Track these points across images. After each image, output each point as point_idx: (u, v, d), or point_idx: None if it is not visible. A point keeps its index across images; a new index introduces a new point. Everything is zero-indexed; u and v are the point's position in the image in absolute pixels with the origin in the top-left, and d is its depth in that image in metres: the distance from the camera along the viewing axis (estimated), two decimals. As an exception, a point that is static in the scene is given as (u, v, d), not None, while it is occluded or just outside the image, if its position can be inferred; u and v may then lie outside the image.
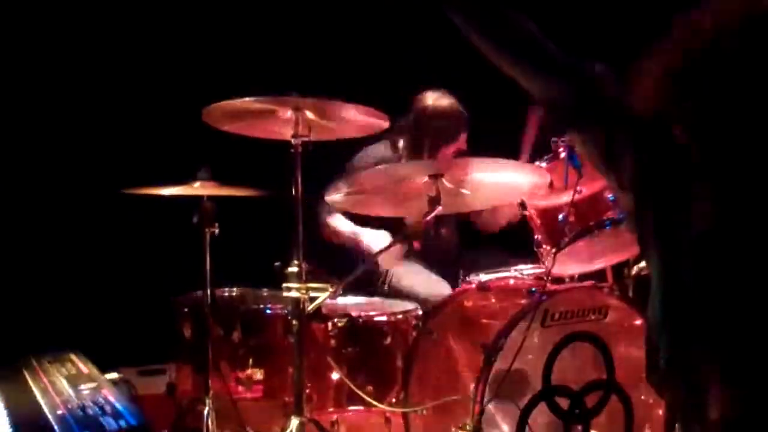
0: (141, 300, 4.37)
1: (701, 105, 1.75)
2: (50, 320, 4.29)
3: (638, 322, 3.23)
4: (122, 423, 2.14)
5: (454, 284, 3.89)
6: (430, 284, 3.95)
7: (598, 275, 3.55)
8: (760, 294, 1.64)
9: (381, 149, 4.05)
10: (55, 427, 2.17)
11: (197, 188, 3.45)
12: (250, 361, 3.59)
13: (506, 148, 3.03)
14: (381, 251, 3.38)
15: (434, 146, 4.02)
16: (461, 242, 4.36)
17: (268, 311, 3.62)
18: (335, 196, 3.19)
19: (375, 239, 3.89)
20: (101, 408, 2.27)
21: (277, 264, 3.40)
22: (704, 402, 1.69)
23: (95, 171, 4.50)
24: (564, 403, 3.05)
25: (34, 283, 4.44)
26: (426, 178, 3.05)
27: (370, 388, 3.36)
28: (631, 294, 3.48)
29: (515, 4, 1.72)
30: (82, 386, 2.51)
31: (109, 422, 2.16)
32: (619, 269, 3.59)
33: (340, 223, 4.01)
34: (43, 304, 4.40)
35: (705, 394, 1.67)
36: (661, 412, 3.29)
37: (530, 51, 1.70)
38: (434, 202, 3.02)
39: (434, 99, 4.06)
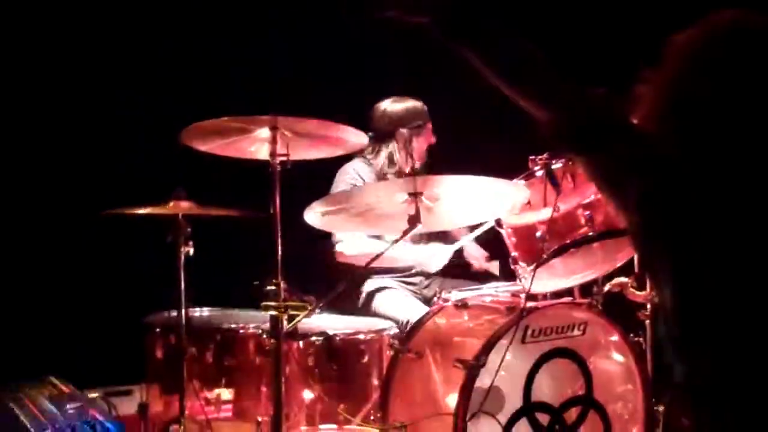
0: (109, 320, 4.32)
1: (697, 128, 1.79)
2: (14, 341, 4.21)
3: (615, 337, 3.27)
4: (113, 441, 2.12)
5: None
6: (409, 307, 3.95)
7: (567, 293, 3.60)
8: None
9: (358, 166, 4.06)
10: (44, 447, 2.15)
11: (172, 207, 3.44)
12: (223, 381, 3.57)
13: (487, 166, 3.05)
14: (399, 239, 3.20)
15: (405, 148, 4.04)
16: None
17: (241, 331, 3.60)
18: (314, 217, 3.19)
19: (430, 255, 3.95)
20: (91, 427, 2.25)
21: (255, 283, 3.40)
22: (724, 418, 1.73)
23: (69, 191, 4.45)
24: (544, 419, 3.08)
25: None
26: (406, 197, 3.06)
27: (343, 406, 3.35)
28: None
29: (521, 29, 1.74)
30: (67, 406, 2.47)
31: (100, 441, 2.14)
32: (587, 287, 3.63)
33: (364, 243, 3.96)
34: (7, 326, 4.32)
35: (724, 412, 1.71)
36: (634, 429, 3.34)
37: (540, 79, 1.72)
38: (414, 220, 3.04)
39: (389, 103, 4.12)
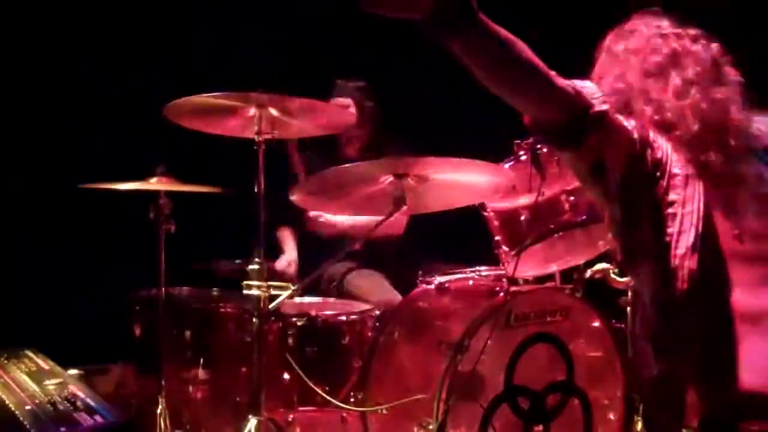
0: (88, 297, 4.28)
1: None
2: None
3: (596, 324, 3.28)
4: (97, 418, 2.09)
5: (397, 285, 3.92)
6: (382, 291, 3.94)
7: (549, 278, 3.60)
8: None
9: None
10: (25, 423, 2.11)
11: (153, 184, 3.40)
12: (202, 360, 3.55)
13: (472, 149, 3.03)
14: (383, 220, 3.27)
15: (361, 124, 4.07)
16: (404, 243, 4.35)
17: (222, 311, 3.58)
18: (299, 196, 3.16)
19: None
20: (72, 403, 2.22)
21: (237, 261, 3.39)
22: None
23: (51, 165, 4.39)
24: (525, 403, 3.08)
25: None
26: (390, 178, 3.04)
27: (326, 387, 3.34)
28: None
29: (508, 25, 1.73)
30: (47, 382, 2.44)
31: (83, 417, 2.11)
32: (569, 273, 3.64)
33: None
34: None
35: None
36: (612, 415, 3.35)
37: (532, 76, 1.70)
38: (399, 202, 3.02)
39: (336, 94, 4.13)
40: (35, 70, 4.44)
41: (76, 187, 3.39)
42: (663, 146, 1.81)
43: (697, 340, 1.75)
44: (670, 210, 1.78)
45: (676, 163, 1.81)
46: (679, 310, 1.76)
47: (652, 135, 1.82)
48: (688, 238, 1.75)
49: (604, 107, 1.76)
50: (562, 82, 1.74)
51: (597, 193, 1.89)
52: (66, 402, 2.23)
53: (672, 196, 1.78)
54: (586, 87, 1.80)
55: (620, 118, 1.81)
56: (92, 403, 2.21)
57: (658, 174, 1.79)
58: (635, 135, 1.80)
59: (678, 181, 1.79)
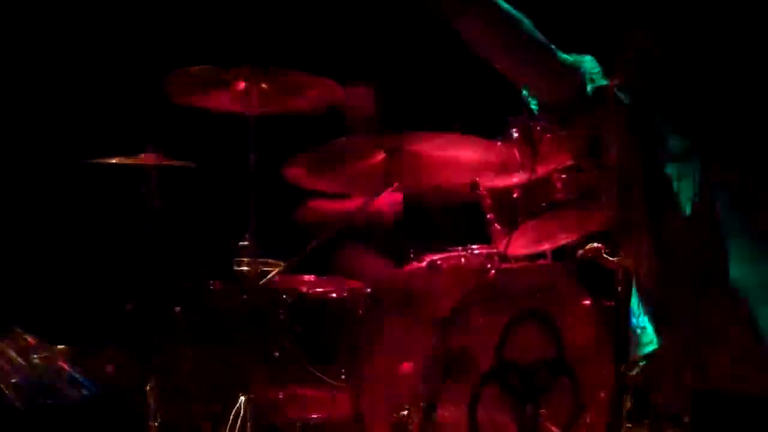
0: (77, 275, 4.26)
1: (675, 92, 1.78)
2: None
3: (587, 302, 3.27)
4: (85, 392, 2.08)
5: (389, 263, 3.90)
6: (374, 268, 3.93)
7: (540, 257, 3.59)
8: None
9: None
10: (11, 396, 2.10)
11: (144, 159, 3.38)
12: (191, 338, 3.54)
13: (466, 126, 3.02)
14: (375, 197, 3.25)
15: None
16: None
17: (211, 287, 3.56)
18: (292, 173, 3.15)
19: None
20: (58, 377, 2.20)
21: (229, 239, 3.37)
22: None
23: (37, 140, 4.35)
24: (514, 380, 3.07)
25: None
26: (382, 154, 3.03)
27: (316, 364, 3.33)
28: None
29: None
30: (34, 356, 2.43)
31: (68, 390, 2.10)
32: (560, 251, 3.63)
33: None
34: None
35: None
36: (603, 394, 3.35)
37: (539, 54, 1.69)
38: (390, 177, 3.01)
39: None
40: (19, 45, 4.39)
41: (65, 163, 3.37)
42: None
43: (695, 313, 1.73)
44: (666, 182, 1.76)
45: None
46: (680, 282, 1.74)
47: None
48: (684, 210, 1.73)
49: (604, 82, 1.74)
50: (562, 57, 1.72)
51: (594, 169, 1.87)
52: (52, 375, 2.21)
53: (668, 168, 1.76)
54: (586, 62, 1.78)
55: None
56: (78, 377, 2.20)
57: (654, 145, 1.77)
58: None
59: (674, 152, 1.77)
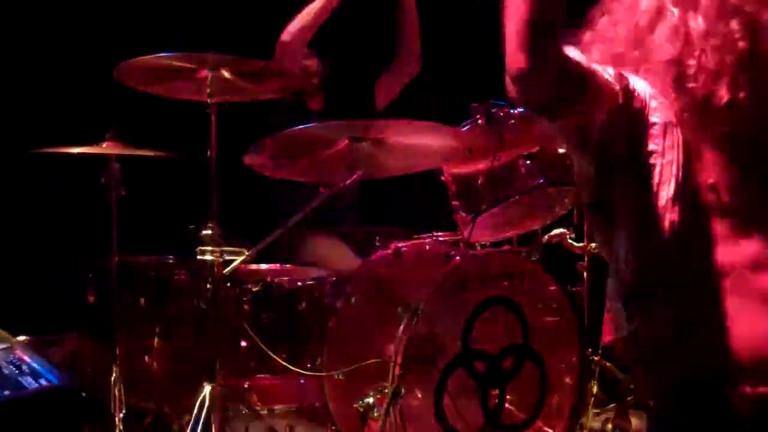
0: (38, 265, 4.20)
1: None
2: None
3: (552, 287, 3.28)
4: (42, 382, 2.05)
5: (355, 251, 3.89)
6: (340, 255, 3.91)
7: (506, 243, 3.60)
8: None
9: None
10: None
11: (105, 148, 3.34)
12: (156, 328, 3.51)
13: (429, 112, 3.01)
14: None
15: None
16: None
17: (176, 277, 3.53)
18: (254, 161, 3.12)
19: None
20: (17, 368, 2.18)
21: (191, 227, 3.34)
22: None
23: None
24: (481, 366, 3.08)
25: None
26: (346, 141, 3.01)
27: (283, 353, 3.31)
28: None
29: None
30: (-6, 348, 2.40)
31: (28, 381, 2.07)
32: (526, 237, 3.64)
33: None
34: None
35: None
36: (568, 379, 3.36)
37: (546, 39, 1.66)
38: (354, 166, 2.99)
39: None
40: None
41: (25, 152, 3.32)
42: (642, 94, 1.76)
43: (676, 296, 1.71)
44: (650, 161, 1.74)
45: (654, 111, 1.76)
46: (660, 264, 1.73)
47: (631, 83, 1.76)
48: (668, 189, 1.71)
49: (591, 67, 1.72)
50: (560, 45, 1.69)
51: (579, 154, 1.84)
52: (11, 366, 2.19)
53: (651, 146, 1.74)
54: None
55: (600, 70, 1.74)
56: (38, 368, 2.17)
57: (637, 124, 1.75)
58: (616, 87, 1.74)
59: (656, 130, 1.74)
